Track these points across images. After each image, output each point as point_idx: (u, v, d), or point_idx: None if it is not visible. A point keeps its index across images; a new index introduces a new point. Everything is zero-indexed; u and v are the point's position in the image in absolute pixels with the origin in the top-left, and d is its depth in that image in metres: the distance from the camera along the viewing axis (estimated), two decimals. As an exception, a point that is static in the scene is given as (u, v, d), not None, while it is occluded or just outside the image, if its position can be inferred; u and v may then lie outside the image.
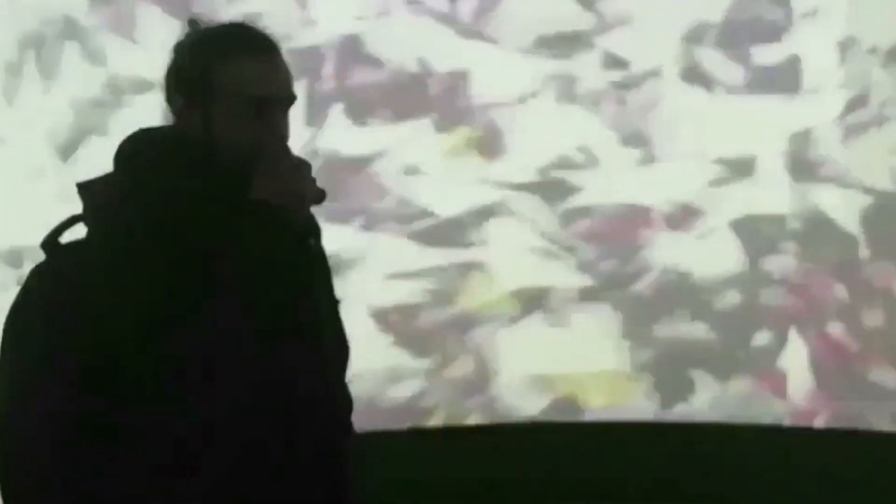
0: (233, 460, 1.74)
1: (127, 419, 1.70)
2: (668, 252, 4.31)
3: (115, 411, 1.70)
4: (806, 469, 4.16)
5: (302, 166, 1.82)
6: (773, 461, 4.19)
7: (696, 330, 4.32)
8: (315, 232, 1.88)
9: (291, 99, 1.86)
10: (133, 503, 1.72)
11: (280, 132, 1.83)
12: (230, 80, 1.80)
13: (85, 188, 1.83)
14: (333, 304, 1.96)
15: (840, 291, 4.28)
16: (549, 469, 4.23)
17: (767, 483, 4.14)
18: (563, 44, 4.30)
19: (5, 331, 1.80)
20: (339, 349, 1.96)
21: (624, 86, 4.32)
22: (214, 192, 1.78)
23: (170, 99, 1.84)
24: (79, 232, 1.82)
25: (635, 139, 4.32)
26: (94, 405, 1.70)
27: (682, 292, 4.32)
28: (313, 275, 1.85)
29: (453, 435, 4.34)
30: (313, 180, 1.82)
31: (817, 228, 4.31)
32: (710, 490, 4.17)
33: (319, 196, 1.83)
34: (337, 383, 1.92)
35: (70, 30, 4.12)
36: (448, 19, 4.29)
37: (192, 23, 1.86)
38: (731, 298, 4.31)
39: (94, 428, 1.70)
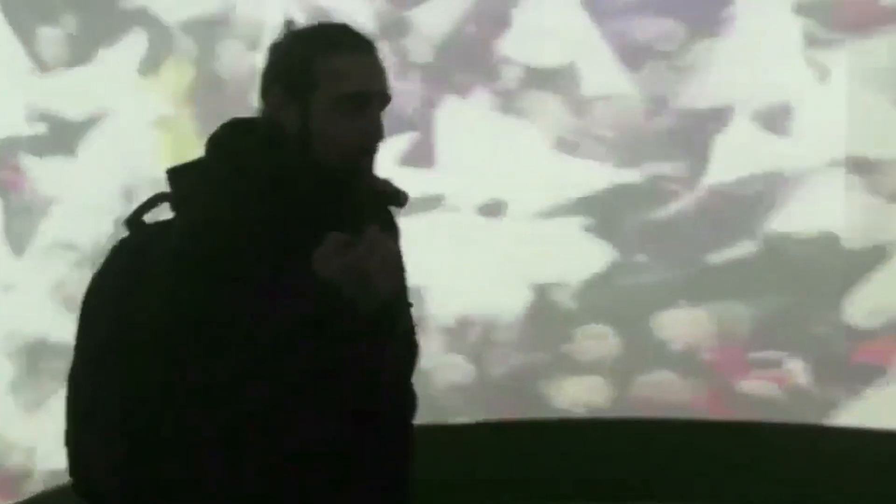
0: (296, 449, 1.75)
1: (192, 397, 1.71)
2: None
3: (182, 388, 1.71)
4: (814, 466, 4.15)
5: (377, 248, 1.74)
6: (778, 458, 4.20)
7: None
8: (392, 232, 1.93)
9: (387, 97, 1.89)
10: (193, 480, 1.74)
11: (375, 129, 1.86)
12: (330, 74, 1.83)
13: (174, 173, 1.87)
14: (406, 305, 1.97)
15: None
16: (547, 468, 4.24)
17: (771, 480, 4.14)
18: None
19: (84, 301, 1.86)
20: (409, 350, 1.98)
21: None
22: (303, 196, 1.80)
23: (266, 94, 1.88)
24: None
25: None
26: (161, 378, 1.71)
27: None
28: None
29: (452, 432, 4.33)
30: (389, 262, 1.76)
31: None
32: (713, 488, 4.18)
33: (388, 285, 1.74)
34: (405, 383, 1.96)
35: None
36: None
37: (289, 23, 1.91)
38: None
39: (162, 401, 1.72)
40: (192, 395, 1.70)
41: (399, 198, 1.91)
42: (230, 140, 1.87)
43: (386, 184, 1.92)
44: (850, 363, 4.15)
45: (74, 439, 1.81)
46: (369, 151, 1.86)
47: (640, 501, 4.19)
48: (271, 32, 1.96)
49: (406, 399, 1.96)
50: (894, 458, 4.10)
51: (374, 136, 1.85)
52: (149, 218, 1.88)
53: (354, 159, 1.83)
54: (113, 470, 1.74)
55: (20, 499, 4.44)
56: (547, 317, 4.33)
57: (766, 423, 4.32)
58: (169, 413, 1.71)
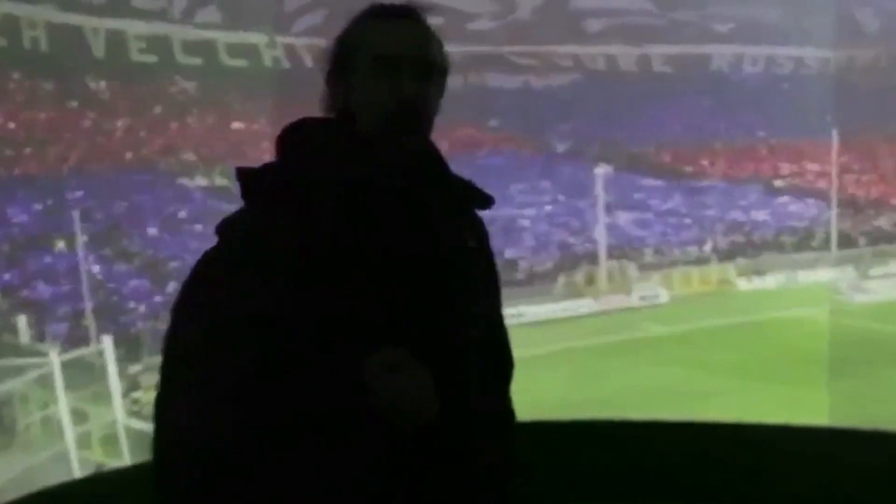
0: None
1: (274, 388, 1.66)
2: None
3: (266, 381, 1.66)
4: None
5: (419, 377, 1.68)
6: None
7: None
8: (479, 234, 1.88)
9: (421, 60, 1.83)
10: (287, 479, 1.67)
11: (405, 90, 1.80)
12: (363, 42, 1.83)
13: (245, 175, 1.83)
14: (496, 311, 1.91)
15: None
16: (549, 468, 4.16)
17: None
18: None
19: (173, 310, 1.81)
20: (496, 356, 1.91)
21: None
22: (384, 200, 1.75)
23: (326, 76, 1.87)
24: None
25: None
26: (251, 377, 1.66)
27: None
28: (468, 275, 1.81)
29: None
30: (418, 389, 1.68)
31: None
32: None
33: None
34: (493, 394, 1.88)
35: None
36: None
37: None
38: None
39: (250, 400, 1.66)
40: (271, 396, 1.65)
41: (485, 199, 1.88)
42: (292, 141, 1.83)
43: (470, 185, 1.88)
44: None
45: (161, 453, 1.73)
46: (402, 113, 1.80)
47: (639, 501, 4.18)
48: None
49: (503, 413, 1.91)
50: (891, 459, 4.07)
51: (403, 96, 1.79)
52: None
53: (388, 121, 1.79)
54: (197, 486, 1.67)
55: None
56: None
57: (764, 426, 4.33)
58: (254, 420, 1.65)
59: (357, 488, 1.67)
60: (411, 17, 1.84)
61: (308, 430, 1.64)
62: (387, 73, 1.80)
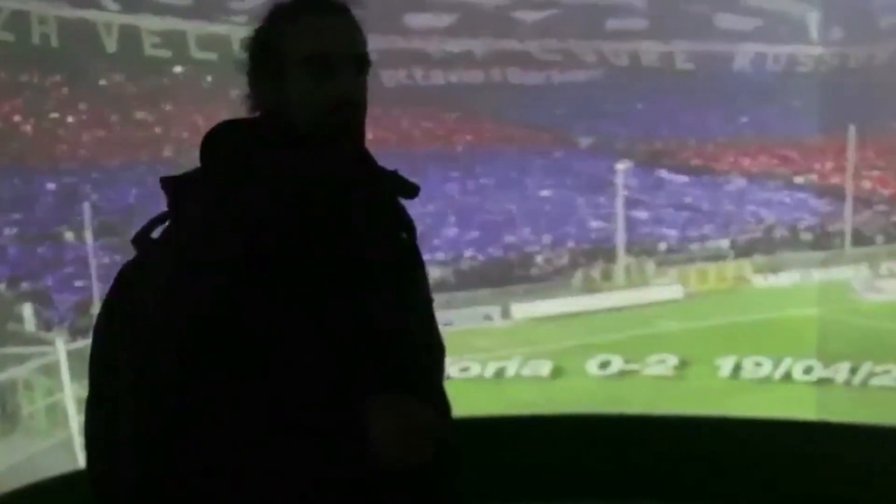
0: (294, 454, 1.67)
1: (206, 402, 1.64)
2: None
3: (197, 396, 1.64)
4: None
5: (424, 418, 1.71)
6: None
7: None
8: (407, 227, 1.85)
9: (357, 57, 1.81)
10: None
11: (342, 88, 1.78)
12: (293, 39, 1.78)
13: (169, 182, 1.81)
14: (425, 301, 1.89)
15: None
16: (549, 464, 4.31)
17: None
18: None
19: (95, 324, 1.81)
20: (430, 350, 1.88)
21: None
22: (309, 196, 1.72)
23: (248, 78, 1.83)
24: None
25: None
26: (176, 393, 1.65)
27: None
28: (403, 269, 1.80)
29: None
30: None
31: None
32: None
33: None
34: (425, 385, 1.84)
35: None
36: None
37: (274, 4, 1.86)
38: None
39: (177, 412, 1.64)
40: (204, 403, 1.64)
41: (410, 189, 1.85)
42: (224, 144, 1.81)
43: (395, 175, 1.85)
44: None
45: (95, 463, 1.76)
46: (341, 112, 1.78)
47: (638, 500, 4.21)
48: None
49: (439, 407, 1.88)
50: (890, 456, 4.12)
51: (340, 95, 1.77)
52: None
53: (326, 122, 1.77)
54: (131, 488, 1.67)
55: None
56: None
57: (762, 421, 4.48)
58: (183, 424, 1.64)
59: (291, 491, 1.67)
60: (340, 10, 1.81)
61: (242, 433, 1.64)
62: (321, 71, 1.77)
